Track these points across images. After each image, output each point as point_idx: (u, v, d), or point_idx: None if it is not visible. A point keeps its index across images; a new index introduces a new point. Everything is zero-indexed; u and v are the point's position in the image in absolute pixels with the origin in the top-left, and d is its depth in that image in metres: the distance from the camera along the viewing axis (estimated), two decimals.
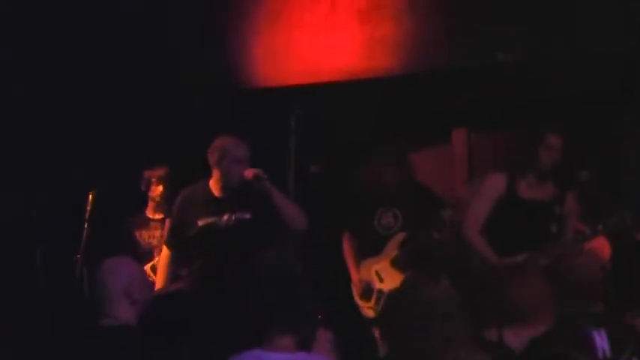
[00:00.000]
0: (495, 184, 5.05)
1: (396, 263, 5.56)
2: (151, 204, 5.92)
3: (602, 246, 5.18)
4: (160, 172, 5.84)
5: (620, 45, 5.39)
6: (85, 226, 5.27)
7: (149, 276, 5.51)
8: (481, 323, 3.80)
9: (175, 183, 5.71)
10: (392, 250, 5.60)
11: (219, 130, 5.18)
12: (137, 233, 5.88)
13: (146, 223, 5.90)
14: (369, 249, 5.68)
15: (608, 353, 3.38)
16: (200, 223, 5.11)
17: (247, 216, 5.02)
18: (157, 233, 5.80)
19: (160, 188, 5.84)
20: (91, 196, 5.36)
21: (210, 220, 5.08)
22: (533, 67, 5.67)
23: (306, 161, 6.03)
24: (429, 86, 5.96)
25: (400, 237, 5.61)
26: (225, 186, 5.08)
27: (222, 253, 4.96)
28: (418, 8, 5.91)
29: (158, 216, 5.90)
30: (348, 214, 5.91)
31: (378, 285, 5.59)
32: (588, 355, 3.36)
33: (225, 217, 5.04)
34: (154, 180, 5.85)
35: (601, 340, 3.40)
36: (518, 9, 5.58)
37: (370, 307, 5.61)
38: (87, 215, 5.32)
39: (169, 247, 5.22)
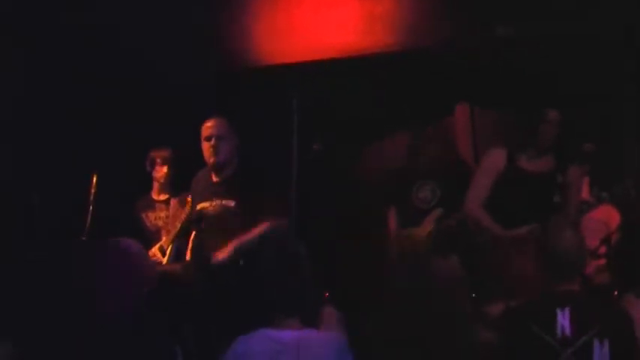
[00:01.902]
0: (496, 159, 5.10)
1: (430, 238, 5.56)
2: (155, 185, 5.92)
3: (608, 215, 5.18)
4: (164, 152, 5.84)
5: (623, 20, 5.36)
6: (90, 208, 5.30)
7: (155, 256, 5.54)
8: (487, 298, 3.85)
9: (180, 164, 5.72)
10: (427, 224, 5.60)
11: (218, 110, 5.20)
12: (143, 215, 5.88)
13: (151, 204, 5.90)
14: (409, 221, 5.68)
15: (568, 332, 3.36)
16: (198, 207, 5.17)
17: (231, 204, 5.05)
18: (163, 214, 5.80)
19: (165, 169, 5.83)
20: (94, 178, 5.38)
21: (204, 204, 5.14)
22: (534, 41, 5.64)
23: (309, 139, 6.02)
24: (430, 62, 5.94)
25: (437, 212, 5.61)
26: (212, 169, 5.13)
27: (211, 239, 5.01)
28: None
29: (163, 197, 5.90)
30: (388, 187, 5.89)
31: None
32: (548, 333, 3.37)
33: (214, 202, 5.09)
34: (158, 160, 5.85)
35: (563, 319, 3.39)
36: None
37: None
38: (91, 197, 5.34)
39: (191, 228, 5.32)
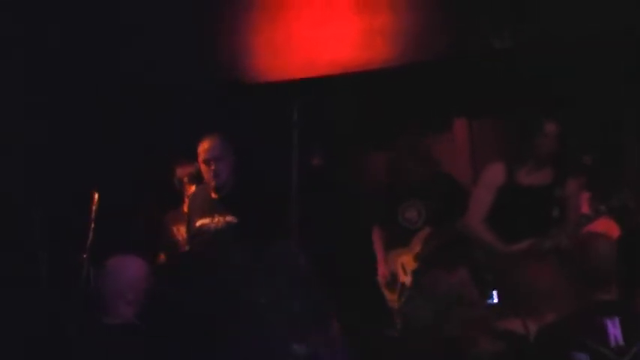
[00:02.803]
0: (495, 174, 5.10)
1: (418, 258, 5.56)
2: (186, 200, 5.89)
3: (608, 228, 5.18)
4: (189, 169, 5.78)
5: (621, 30, 5.39)
6: (92, 225, 5.29)
7: None
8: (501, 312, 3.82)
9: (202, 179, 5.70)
10: (416, 244, 5.60)
11: (219, 127, 5.21)
12: (174, 228, 5.85)
13: (183, 218, 5.86)
14: (397, 241, 5.68)
15: (621, 342, 3.36)
16: (198, 223, 5.17)
17: (234, 220, 5.06)
18: None
19: (193, 187, 5.79)
20: (95, 195, 5.38)
21: (204, 221, 5.14)
22: (531, 53, 5.66)
23: (309, 154, 6.03)
24: (429, 75, 5.96)
25: (425, 232, 5.60)
26: (213, 189, 5.14)
27: (212, 255, 5.01)
28: None
29: None
30: (374, 206, 5.89)
31: (402, 278, 5.59)
32: (602, 344, 3.36)
33: (216, 219, 5.09)
34: (185, 180, 5.82)
35: (614, 329, 3.38)
36: None
37: (394, 300, 5.60)
38: (92, 215, 5.33)
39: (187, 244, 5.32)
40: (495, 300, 4.69)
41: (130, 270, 3.84)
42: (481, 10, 5.68)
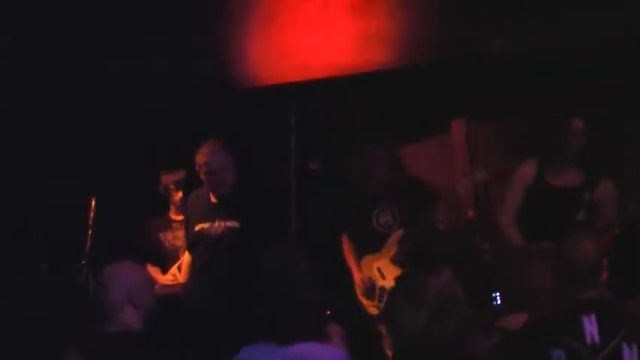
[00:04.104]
0: (524, 173, 5.11)
1: (395, 260, 5.56)
2: (172, 207, 5.88)
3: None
4: (176, 176, 5.80)
5: (623, 33, 5.37)
6: (89, 232, 5.29)
7: (174, 276, 5.53)
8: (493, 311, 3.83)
9: (192, 184, 5.70)
10: (391, 247, 5.60)
11: (216, 132, 5.19)
12: (161, 235, 5.85)
13: (169, 224, 5.86)
14: (370, 248, 5.67)
15: (597, 339, 3.36)
16: (197, 228, 5.15)
17: (234, 224, 5.04)
18: (181, 234, 5.72)
19: (180, 193, 5.80)
20: (93, 201, 5.37)
21: (203, 225, 5.12)
22: (529, 55, 5.66)
23: (306, 159, 6.03)
24: (426, 78, 5.96)
25: (398, 234, 5.61)
26: (213, 195, 5.12)
27: (212, 260, 5.00)
28: (411, 0, 5.90)
29: (181, 217, 5.86)
30: (346, 214, 5.90)
31: (380, 282, 5.58)
32: (577, 341, 3.36)
33: (216, 224, 5.08)
34: (171, 187, 5.81)
35: (590, 326, 3.38)
36: None
37: (374, 306, 5.60)
38: (90, 221, 5.33)
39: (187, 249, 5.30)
40: (499, 302, 4.70)
41: (137, 276, 3.76)
42: (478, 12, 5.67)
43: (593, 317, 3.39)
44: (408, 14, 5.87)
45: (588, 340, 3.36)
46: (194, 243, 5.23)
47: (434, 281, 3.30)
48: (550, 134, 5.05)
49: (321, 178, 6.28)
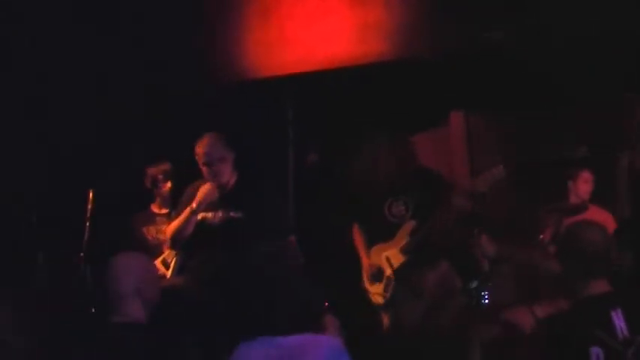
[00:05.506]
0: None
1: (405, 251, 5.56)
2: (157, 199, 5.89)
3: (605, 220, 5.19)
4: (164, 167, 5.82)
5: (620, 25, 5.37)
6: (87, 224, 5.29)
7: (160, 270, 5.54)
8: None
9: (181, 177, 5.72)
10: (402, 237, 5.59)
11: (214, 125, 5.21)
12: (144, 229, 5.85)
13: (152, 218, 5.86)
14: (381, 237, 5.68)
15: (627, 332, 3.33)
16: (199, 217, 5.18)
17: (238, 215, 5.07)
18: (164, 227, 5.76)
19: (169, 184, 5.82)
20: (90, 194, 5.38)
21: (205, 215, 5.15)
22: (527, 47, 5.66)
23: (305, 151, 6.04)
24: (424, 70, 5.96)
25: (410, 225, 5.60)
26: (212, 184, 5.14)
27: (214, 250, 5.02)
28: None
29: (164, 210, 5.87)
30: (355, 203, 5.90)
31: (388, 271, 5.58)
32: (611, 337, 3.34)
33: (218, 214, 5.11)
34: (160, 177, 5.83)
35: (618, 320, 3.36)
36: None
37: (379, 294, 5.60)
38: (88, 214, 5.34)
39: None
40: (487, 301, 4.69)
41: (146, 268, 3.73)
42: (477, 4, 5.67)
43: (619, 311, 3.35)
44: (406, 6, 5.88)
45: (620, 335, 3.33)
46: (195, 232, 5.23)
47: (435, 273, 3.31)
48: (626, 120, 5.03)
49: (319, 169, 6.29)
